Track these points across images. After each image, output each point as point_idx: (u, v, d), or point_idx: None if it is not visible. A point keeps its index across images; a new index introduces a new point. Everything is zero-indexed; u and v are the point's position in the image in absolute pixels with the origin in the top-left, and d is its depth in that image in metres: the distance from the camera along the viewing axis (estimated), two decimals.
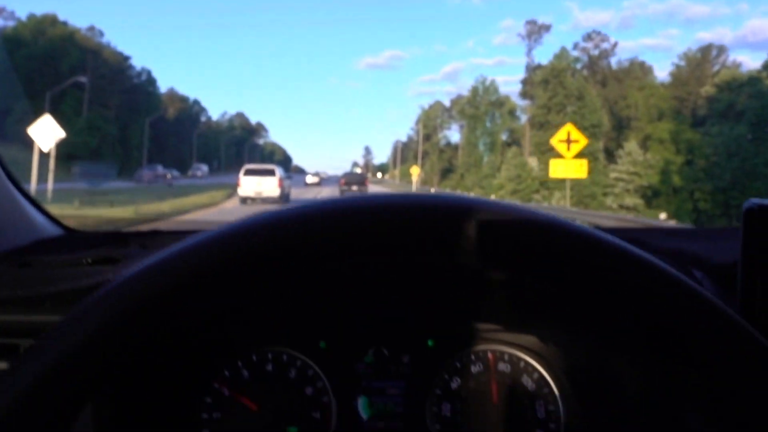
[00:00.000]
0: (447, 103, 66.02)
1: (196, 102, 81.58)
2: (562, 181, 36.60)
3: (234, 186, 22.60)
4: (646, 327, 0.35)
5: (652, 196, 32.80)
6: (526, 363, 0.84)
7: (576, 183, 34.23)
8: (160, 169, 37.39)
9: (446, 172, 64.67)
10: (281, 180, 21.19)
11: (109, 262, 0.82)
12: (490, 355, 0.83)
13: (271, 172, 21.32)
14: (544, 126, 36.97)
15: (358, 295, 0.79)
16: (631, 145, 34.06)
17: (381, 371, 0.82)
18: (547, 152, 36.31)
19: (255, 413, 0.79)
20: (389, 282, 0.76)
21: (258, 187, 20.59)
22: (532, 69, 44.19)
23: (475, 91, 55.08)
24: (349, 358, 0.83)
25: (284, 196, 21.53)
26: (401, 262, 0.62)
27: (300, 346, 0.82)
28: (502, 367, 0.83)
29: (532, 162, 36.81)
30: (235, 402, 0.79)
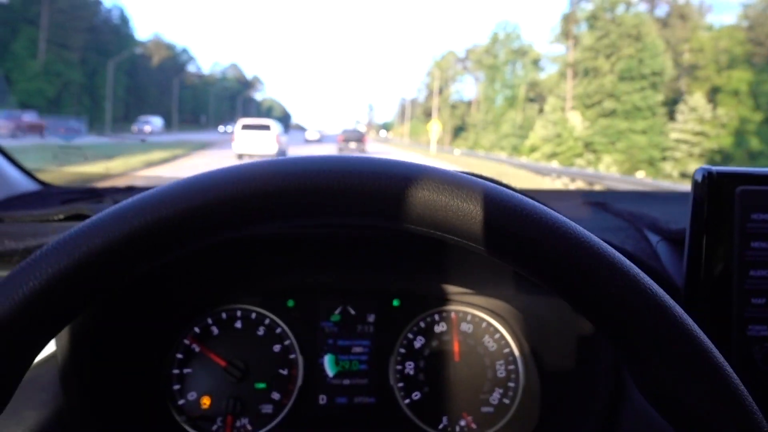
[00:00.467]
0: (462, 53, 59.70)
1: (185, 51, 74.67)
2: (612, 142, 30.95)
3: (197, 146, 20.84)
4: (570, 291, 0.35)
5: (722, 162, 26.72)
6: (488, 324, 0.87)
7: (630, 145, 28.28)
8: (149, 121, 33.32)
9: (458, 131, 59.07)
10: (278, 136, 19.85)
11: (80, 218, 0.79)
12: (453, 315, 0.86)
13: (267, 127, 19.94)
14: (591, 73, 30.63)
15: (322, 256, 0.81)
16: (697, 99, 27.70)
17: (347, 330, 0.85)
18: (594, 106, 30.15)
19: (224, 369, 0.81)
20: (352, 244, 0.79)
21: (254, 142, 19.23)
22: (576, 1, 37.25)
23: (495, 38, 48.73)
24: (317, 317, 0.85)
25: (281, 153, 19.64)
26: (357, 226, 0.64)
27: (269, 305, 0.84)
28: (465, 327, 0.86)
29: (574, 118, 30.68)
30: (204, 358, 0.82)
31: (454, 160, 25.24)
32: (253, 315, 0.84)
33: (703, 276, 0.65)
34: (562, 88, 35.65)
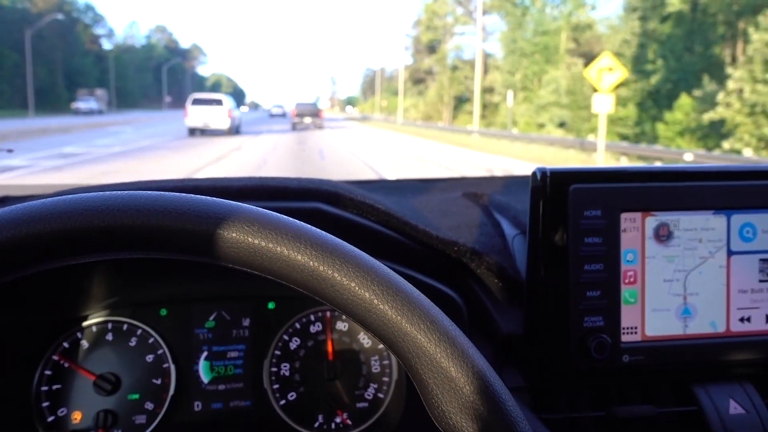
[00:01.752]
0: None
1: (89, 7, 56.72)
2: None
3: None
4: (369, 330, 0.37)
5: None
6: None
7: None
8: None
9: (461, 102, 42.98)
10: (230, 111, 21.26)
11: None
12: (328, 315, 0.87)
13: (219, 102, 21.18)
14: None
15: (194, 265, 0.79)
16: None
17: (222, 335, 0.85)
18: None
19: (96, 383, 0.80)
20: None
21: (205, 117, 20.73)
22: None
23: None
24: (191, 324, 0.85)
25: (234, 128, 22.00)
26: None
27: (140, 315, 0.84)
28: (340, 326, 0.87)
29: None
30: (74, 373, 0.81)
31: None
32: (125, 326, 0.84)
33: (542, 271, 0.69)
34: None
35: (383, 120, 49.47)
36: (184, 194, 0.37)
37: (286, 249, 0.36)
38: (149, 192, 0.37)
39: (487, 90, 37.63)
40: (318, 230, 0.38)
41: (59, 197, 0.37)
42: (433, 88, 47.11)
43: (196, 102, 21.09)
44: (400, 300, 0.36)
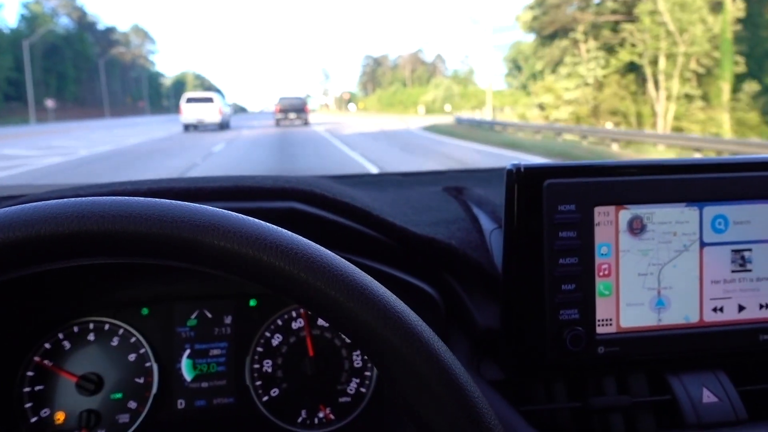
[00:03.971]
0: None
1: None
2: None
3: None
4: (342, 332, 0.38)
5: None
6: None
7: None
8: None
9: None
10: (221, 108, 24.46)
11: None
12: (304, 311, 0.87)
13: (210, 100, 24.41)
14: None
15: (170, 267, 0.80)
16: None
17: (204, 333, 0.86)
18: None
19: (78, 383, 0.81)
20: None
21: (199, 114, 23.93)
22: None
23: None
24: (172, 322, 0.86)
25: (224, 123, 25.14)
26: None
27: (122, 315, 0.84)
28: (321, 321, 0.87)
29: None
30: (57, 374, 0.82)
31: None
32: (107, 326, 0.84)
33: (517, 265, 0.70)
34: None
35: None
36: (145, 199, 0.38)
37: (250, 250, 0.37)
38: (112, 198, 0.38)
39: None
40: (282, 230, 0.38)
41: (29, 204, 0.37)
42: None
43: (190, 100, 24.29)
44: (365, 297, 0.37)
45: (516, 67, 40.88)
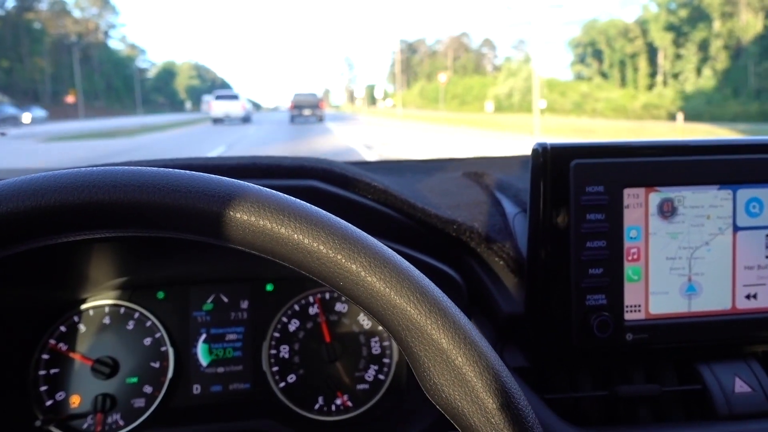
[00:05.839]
0: None
1: None
2: None
3: None
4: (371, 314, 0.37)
5: None
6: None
7: None
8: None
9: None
10: (244, 104, 29.68)
11: None
12: (319, 296, 0.87)
13: (236, 97, 29.89)
14: None
15: (191, 247, 0.80)
16: None
17: (221, 318, 0.85)
18: None
19: (93, 367, 0.80)
20: None
21: (226, 109, 28.55)
22: None
23: None
24: (188, 307, 0.85)
25: (247, 117, 30.04)
26: None
27: (137, 299, 0.84)
28: (339, 307, 0.86)
29: None
30: (72, 357, 0.81)
31: None
32: (122, 310, 0.84)
33: (543, 249, 0.68)
34: None
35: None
36: (161, 169, 0.37)
37: (269, 222, 0.35)
38: (131, 168, 0.37)
39: None
40: (302, 202, 0.37)
41: (54, 172, 0.36)
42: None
43: (219, 98, 29.47)
44: (388, 271, 0.35)
45: (594, 52, 34.10)
